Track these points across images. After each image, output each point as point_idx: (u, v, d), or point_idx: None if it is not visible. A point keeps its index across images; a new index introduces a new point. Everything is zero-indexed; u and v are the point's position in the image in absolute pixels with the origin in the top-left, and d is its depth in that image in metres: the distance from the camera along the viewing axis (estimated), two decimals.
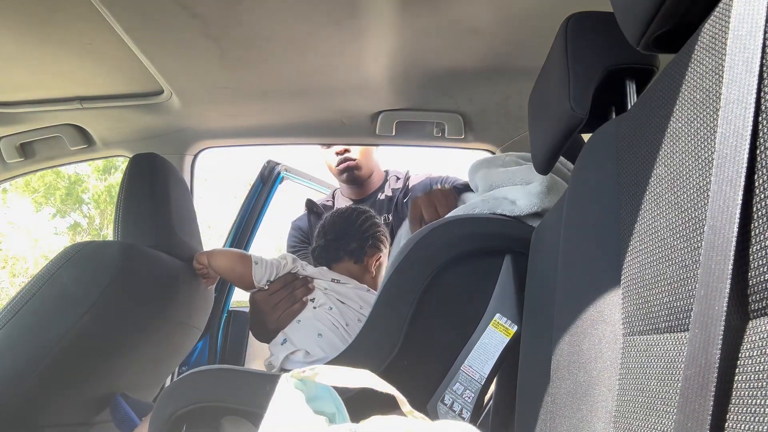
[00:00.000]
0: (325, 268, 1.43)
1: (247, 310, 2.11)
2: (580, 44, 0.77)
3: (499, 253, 1.05)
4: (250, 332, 1.57)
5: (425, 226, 1.11)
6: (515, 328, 1.02)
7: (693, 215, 0.44)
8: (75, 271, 1.18)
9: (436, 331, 1.06)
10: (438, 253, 1.04)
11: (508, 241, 1.05)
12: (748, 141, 0.36)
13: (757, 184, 0.36)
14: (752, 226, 0.36)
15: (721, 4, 0.43)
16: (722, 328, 0.35)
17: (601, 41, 0.76)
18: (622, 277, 0.56)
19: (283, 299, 1.32)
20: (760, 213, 0.35)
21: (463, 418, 1.01)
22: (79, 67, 1.36)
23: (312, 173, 2.36)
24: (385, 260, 1.50)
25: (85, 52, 1.28)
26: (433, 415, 1.02)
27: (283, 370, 1.24)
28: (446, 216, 1.13)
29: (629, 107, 0.74)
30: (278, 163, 2.16)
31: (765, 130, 0.35)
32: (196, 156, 1.84)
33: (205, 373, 1.01)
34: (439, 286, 1.04)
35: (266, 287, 1.34)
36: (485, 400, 1.07)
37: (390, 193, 1.96)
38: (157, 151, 1.48)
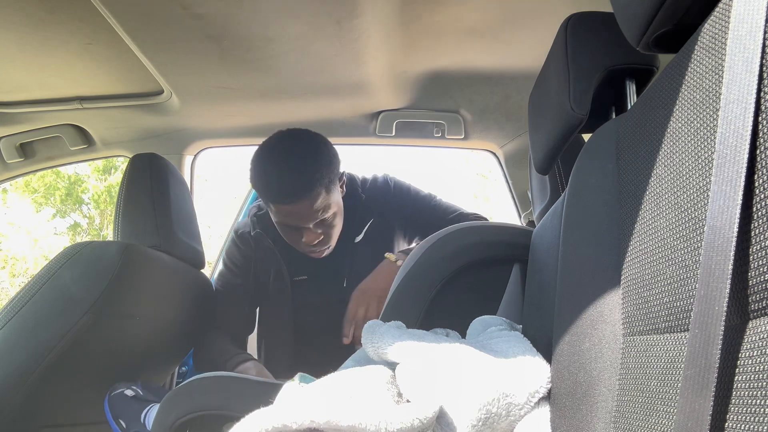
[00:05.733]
0: None
1: None
2: (580, 44, 0.77)
3: (507, 262, 1.05)
4: None
5: (434, 234, 1.10)
6: None
7: (693, 215, 0.44)
8: (75, 272, 1.18)
9: None
10: (448, 261, 1.04)
11: (516, 250, 1.05)
12: (748, 141, 0.36)
13: (757, 184, 0.36)
14: (752, 226, 0.36)
15: (720, 4, 0.43)
16: (722, 328, 0.35)
17: (601, 41, 0.76)
18: (622, 277, 0.56)
19: None
20: (760, 213, 0.35)
21: None
22: (79, 67, 1.36)
23: None
24: None
25: (85, 52, 1.28)
26: None
27: None
28: (458, 224, 1.13)
29: (629, 107, 0.74)
30: None
31: (765, 130, 0.35)
32: (196, 156, 1.84)
33: (207, 380, 1.01)
34: (447, 293, 1.04)
35: None
36: None
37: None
38: (157, 151, 1.48)
